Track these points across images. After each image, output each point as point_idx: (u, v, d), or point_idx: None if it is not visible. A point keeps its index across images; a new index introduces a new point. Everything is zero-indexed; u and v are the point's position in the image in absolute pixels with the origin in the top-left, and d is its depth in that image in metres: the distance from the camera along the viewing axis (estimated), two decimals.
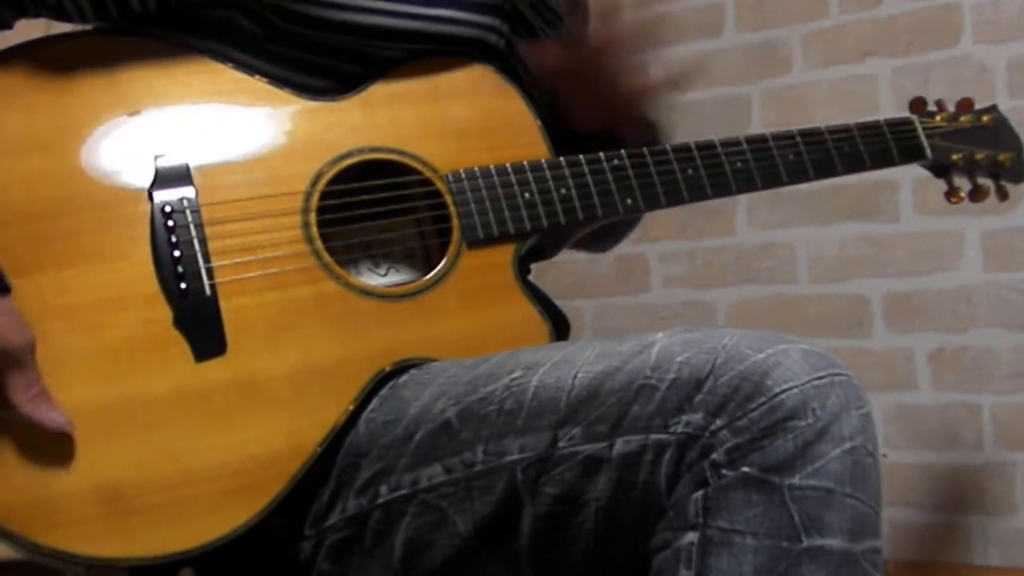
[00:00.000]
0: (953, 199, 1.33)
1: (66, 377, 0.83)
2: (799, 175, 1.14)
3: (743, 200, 2.09)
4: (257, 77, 0.96)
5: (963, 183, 1.34)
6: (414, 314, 0.96)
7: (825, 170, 1.16)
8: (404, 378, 0.93)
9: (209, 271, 0.89)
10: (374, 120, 0.99)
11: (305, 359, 0.90)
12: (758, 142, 1.12)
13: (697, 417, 0.77)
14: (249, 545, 0.87)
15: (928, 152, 1.26)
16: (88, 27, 0.97)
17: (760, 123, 2.10)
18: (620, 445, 0.79)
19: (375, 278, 0.99)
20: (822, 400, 0.75)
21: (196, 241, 0.89)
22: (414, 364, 0.94)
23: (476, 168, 1.00)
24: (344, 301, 0.93)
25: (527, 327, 1.00)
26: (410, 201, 1.00)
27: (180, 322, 0.87)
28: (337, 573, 0.92)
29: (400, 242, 1.01)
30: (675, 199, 1.07)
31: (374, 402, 0.92)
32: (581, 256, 1.47)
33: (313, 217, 0.94)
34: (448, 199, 0.99)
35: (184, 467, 0.84)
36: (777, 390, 0.75)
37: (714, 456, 0.75)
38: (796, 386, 0.75)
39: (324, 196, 0.95)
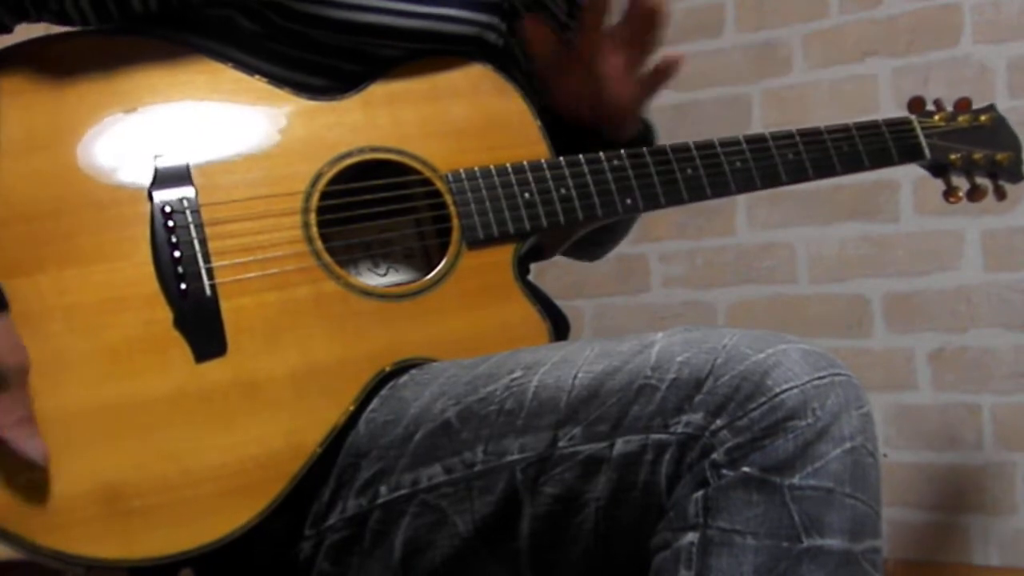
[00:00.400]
0: (951, 199, 1.34)
1: (66, 377, 0.83)
2: (798, 175, 1.14)
3: (743, 200, 2.10)
4: (257, 77, 0.96)
5: (961, 183, 1.34)
6: (414, 314, 0.95)
7: (824, 170, 1.16)
8: (404, 378, 0.93)
9: (209, 271, 0.89)
10: (374, 120, 0.99)
11: (305, 359, 0.90)
12: (757, 142, 1.12)
13: (697, 417, 0.76)
14: (249, 545, 0.87)
15: (927, 152, 1.26)
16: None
17: (760, 123, 2.10)
18: (620, 445, 0.79)
19: (375, 278, 0.99)
20: (822, 400, 0.75)
21: (196, 241, 0.89)
22: (414, 364, 0.94)
23: (476, 168, 1.00)
24: (344, 301, 0.93)
25: (527, 327, 1.00)
26: (410, 201, 1.00)
27: (180, 323, 0.87)
28: (337, 573, 0.92)
29: (400, 242, 1.01)
30: (674, 199, 1.07)
31: (374, 402, 0.92)
32: None
33: (313, 217, 0.94)
34: (448, 199, 0.99)
35: (184, 468, 0.84)
36: (777, 390, 0.75)
37: (714, 456, 0.75)
38: (796, 386, 0.75)
39: (324, 196, 0.95)
